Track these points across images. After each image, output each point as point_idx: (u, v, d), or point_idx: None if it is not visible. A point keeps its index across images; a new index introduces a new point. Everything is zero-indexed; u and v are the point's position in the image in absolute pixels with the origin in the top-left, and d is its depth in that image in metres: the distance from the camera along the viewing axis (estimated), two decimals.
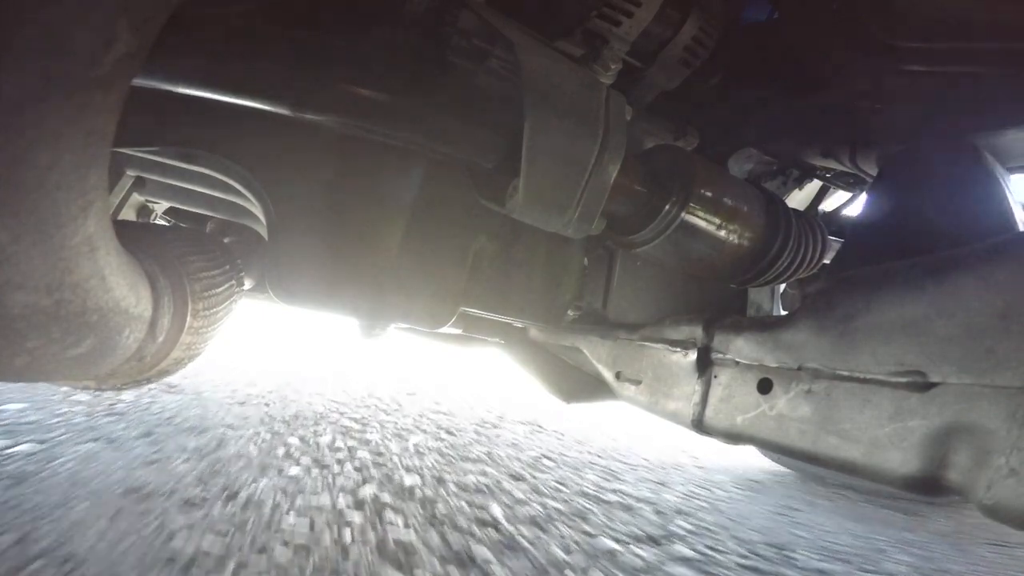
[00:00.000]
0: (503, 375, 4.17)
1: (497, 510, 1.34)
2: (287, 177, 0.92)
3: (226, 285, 0.71)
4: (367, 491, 1.31)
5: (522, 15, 0.87)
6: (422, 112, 0.88)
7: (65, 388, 1.35)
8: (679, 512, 1.62)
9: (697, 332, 1.03)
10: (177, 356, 0.60)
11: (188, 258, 0.62)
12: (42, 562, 0.74)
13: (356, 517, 1.15)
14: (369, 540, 1.05)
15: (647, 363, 1.13)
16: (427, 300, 1.05)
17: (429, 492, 1.38)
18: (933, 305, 0.73)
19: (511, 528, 1.24)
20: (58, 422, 1.38)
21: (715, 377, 0.99)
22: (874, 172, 1.15)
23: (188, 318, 0.59)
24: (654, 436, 3.04)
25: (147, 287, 0.52)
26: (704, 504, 1.77)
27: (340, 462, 1.51)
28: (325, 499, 1.21)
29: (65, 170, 0.36)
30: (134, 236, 0.57)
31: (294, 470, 1.37)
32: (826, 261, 1.18)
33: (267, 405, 2.09)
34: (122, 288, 0.46)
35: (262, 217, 0.93)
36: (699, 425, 1.00)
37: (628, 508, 1.56)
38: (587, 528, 1.33)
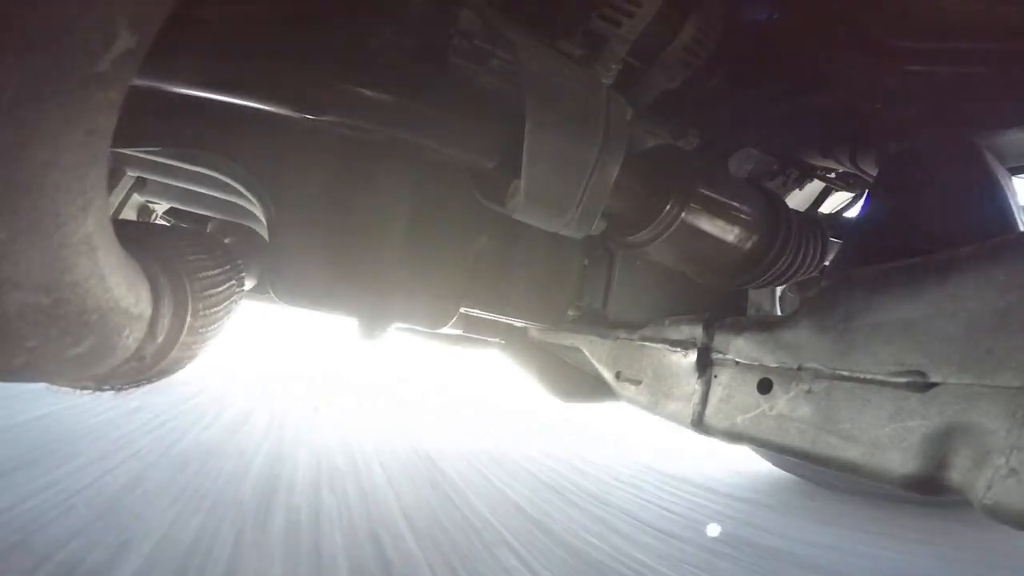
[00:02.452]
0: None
1: None
2: (288, 177, 0.92)
3: (227, 285, 0.71)
4: None
5: (523, 15, 0.87)
6: (423, 113, 0.88)
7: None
8: None
9: (697, 332, 1.03)
10: (177, 356, 0.60)
11: (188, 258, 0.62)
12: None
13: None
14: None
15: (647, 363, 1.13)
16: (428, 300, 1.05)
17: None
18: (933, 305, 0.73)
19: None
20: None
21: (715, 377, 0.99)
22: (874, 172, 1.15)
23: (188, 318, 0.59)
24: None
25: (147, 287, 0.52)
26: None
27: None
28: None
29: (64, 169, 0.36)
30: (134, 236, 0.57)
31: None
32: (826, 262, 1.18)
33: None
34: (121, 288, 0.45)
35: (263, 217, 0.93)
36: (699, 425, 1.00)
37: None
38: None
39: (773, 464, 2.86)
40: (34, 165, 0.34)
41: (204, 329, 0.63)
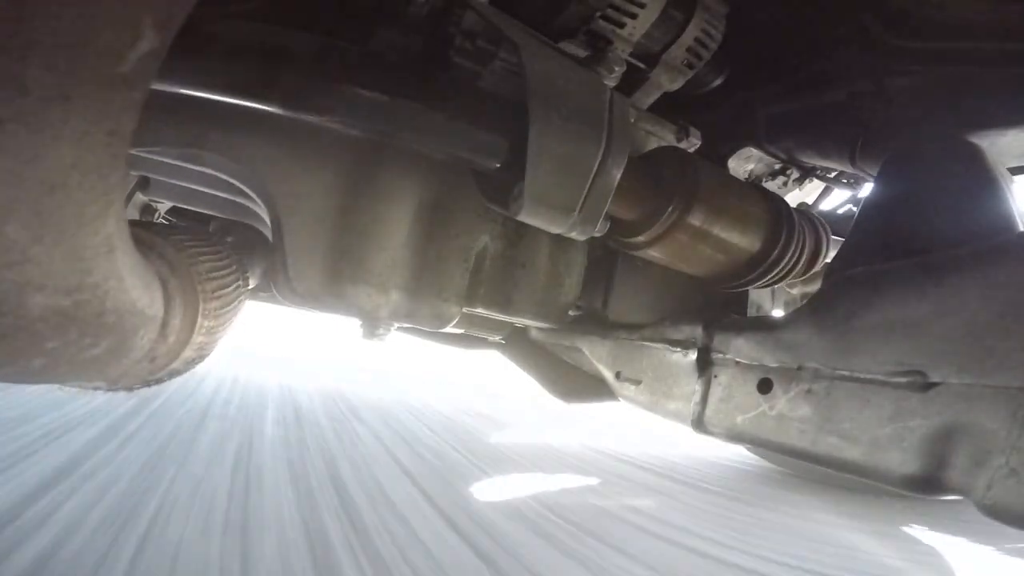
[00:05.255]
0: None
1: None
2: (291, 177, 0.91)
3: (234, 285, 0.71)
4: None
5: (526, 16, 0.88)
6: (425, 114, 0.88)
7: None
8: None
9: (697, 332, 1.03)
10: (188, 356, 0.60)
11: (198, 258, 0.62)
12: None
13: None
14: None
15: (647, 363, 1.14)
16: (430, 300, 1.05)
17: None
18: (933, 305, 0.74)
19: None
20: None
21: (715, 377, 0.99)
22: (874, 172, 1.16)
23: (199, 318, 0.59)
24: None
25: (159, 287, 0.52)
26: None
27: None
28: None
29: (87, 169, 0.36)
30: (145, 236, 0.57)
31: None
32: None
33: None
34: (138, 288, 0.46)
35: (266, 217, 0.93)
36: (699, 425, 1.00)
37: None
38: None
39: (755, 455, 2.90)
40: (59, 166, 0.35)
41: (214, 329, 0.63)
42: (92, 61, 0.34)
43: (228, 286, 0.68)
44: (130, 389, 0.59)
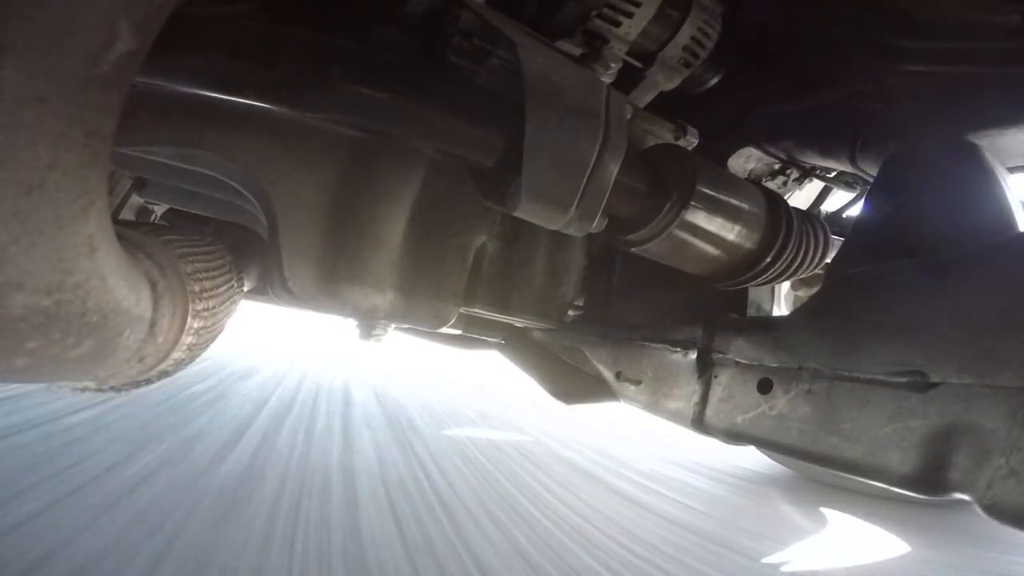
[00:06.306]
0: None
1: None
2: (286, 176, 0.91)
3: (226, 286, 0.71)
4: None
5: (522, 15, 0.87)
6: (422, 112, 0.88)
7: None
8: None
9: (697, 332, 1.03)
10: (178, 357, 0.60)
11: (188, 259, 0.62)
12: None
13: None
14: None
15: (647, 363, 1.13)
16: (428, 300, 1.04)
17: None
18: (933, 305, 0.74)
19: None
20: None
21: (715, 377, 0.99)
22: (874, 172, 1.15)
23: (188, 319, 0.59)
24: None
25: (147, 288, 0.52)
26: None
27: None
28: None
29: (66, 170, 0.36)
30: (134, 237, 0.57)
31: None
32: (828, 260, 1.18)
33: None
34: (122, 288, 0.45)
35: (262, 217, 0.93)
36: (699, 425, 1.00)
37: None
38: None
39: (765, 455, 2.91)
40: (36, 167, 0.34)
41: (204, 330, 0.63)
42: (67, 63, 0.34)
43: (220, 287, 0.68)
44: (119, 390, 0.59)
